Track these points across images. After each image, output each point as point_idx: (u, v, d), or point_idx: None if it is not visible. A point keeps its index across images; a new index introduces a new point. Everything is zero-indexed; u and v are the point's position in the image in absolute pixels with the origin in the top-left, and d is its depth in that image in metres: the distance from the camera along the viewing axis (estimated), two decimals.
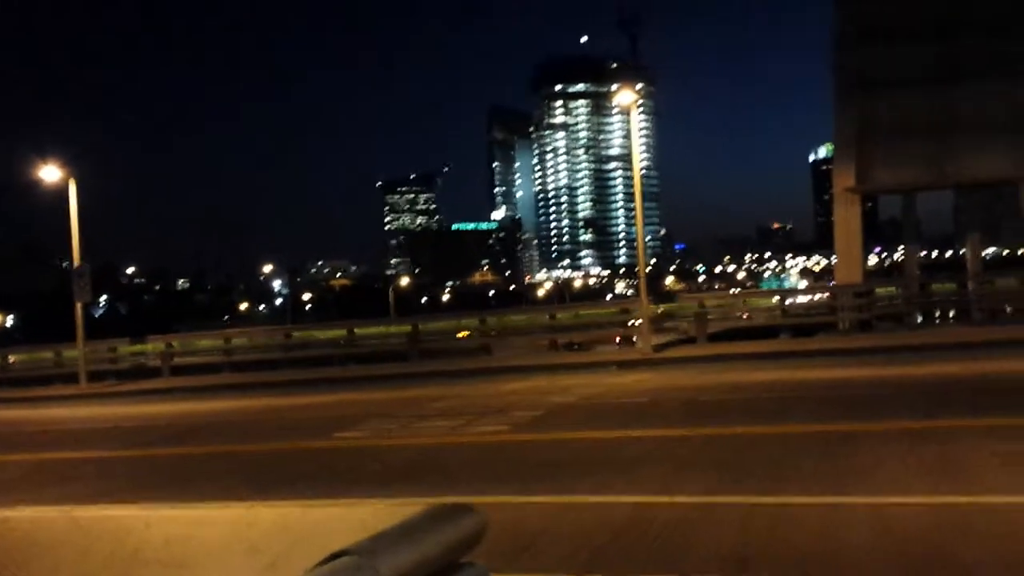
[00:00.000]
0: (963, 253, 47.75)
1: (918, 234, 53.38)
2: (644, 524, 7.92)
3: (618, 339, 35.58)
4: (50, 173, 32.86)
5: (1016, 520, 7.34)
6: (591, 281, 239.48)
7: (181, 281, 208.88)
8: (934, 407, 13.45)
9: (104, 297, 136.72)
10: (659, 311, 31.62)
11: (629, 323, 31.03)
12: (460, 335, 35.10)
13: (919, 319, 32.34)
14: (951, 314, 35.91)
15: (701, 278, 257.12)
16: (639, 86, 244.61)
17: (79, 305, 31.71)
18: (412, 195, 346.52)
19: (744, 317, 35.07)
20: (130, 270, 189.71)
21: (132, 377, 33.91)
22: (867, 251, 51.25)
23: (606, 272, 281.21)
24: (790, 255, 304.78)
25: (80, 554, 1.85)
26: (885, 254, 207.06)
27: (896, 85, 35.37)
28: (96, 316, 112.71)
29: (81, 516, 2.01)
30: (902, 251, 52.05)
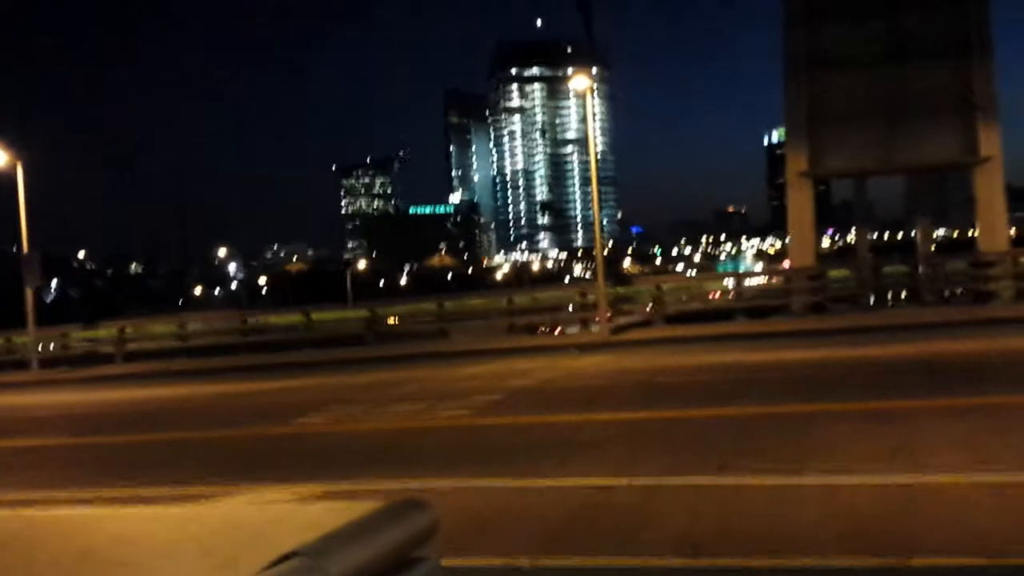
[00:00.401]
0: (914, 235, 48.50)
1: (870, 217, 54.13)
2: (601, 506, 7.99)
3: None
4: None
5: (964, 498, 7.51)
6: (549, 264, 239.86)
7: (134, 266, 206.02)
8: (887, 388, 13.69)
9: (55, 282, 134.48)
10: (618, 292, 31.79)
11: (587, 305, 31.15)
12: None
13: (871, 301, 32.82)
14: (903, 296, 36.52)
15: (658, 261, 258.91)
16: (594, 70, 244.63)
17: (29, 291, 31.15)
18: (368, 179, 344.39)
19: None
20: (81, 255, 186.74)
21: (85, 363, 33.41)
22: (820, 234, 51.82)
23: (564, 255, 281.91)
24: (745, 238, 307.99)
25: (30, 553, 1.82)
26: (838, 236, 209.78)
27: (844, 67, 35.73)
28: (47, 301, 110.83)
29: (29, 514, 1.98)
30: (854, 233, 52.74)
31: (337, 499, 2.00)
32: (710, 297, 35.74)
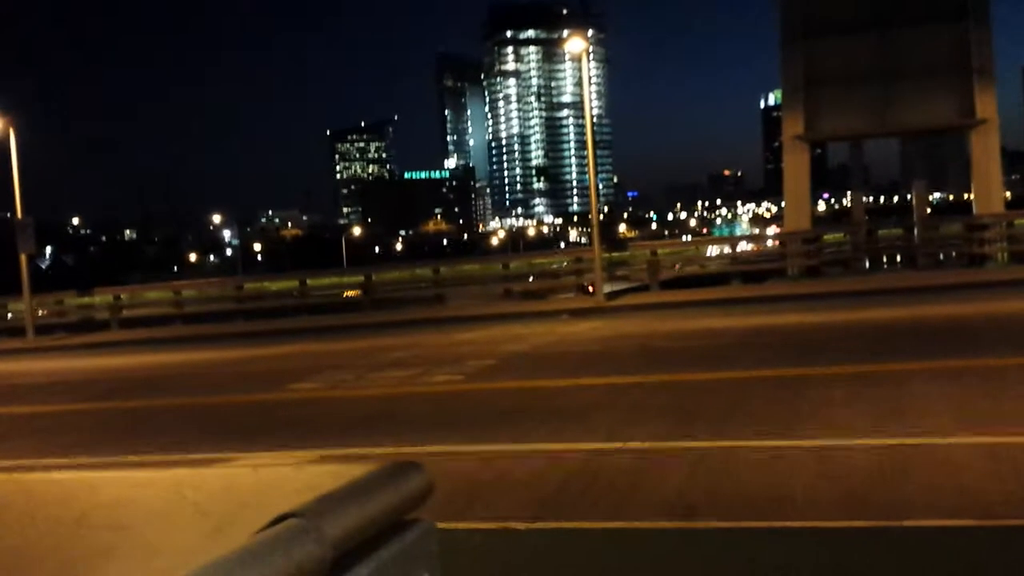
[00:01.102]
0: (909, 199, 48.48)
1: (865, 180, 54.03)
2: (595, 471, 8.03)
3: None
4: None
5: (956, 458, 7.57)
6: (544, 229, 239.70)
7: (128, 232, 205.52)
8: (881, 351, 13.75)
9: (49, 249, 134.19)
10: (613, 257, 31.80)
11: (583, 270, 31.18)
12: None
13: (866, 265, 32.89)
14: (897, 259, 36.59)
15: (653, 226, 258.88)
16: (590, 33, 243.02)
17: (23, 257, 31.08)
18: (363, 144, 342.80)
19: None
20: (75, 221, 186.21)
21: (80, 330, 33.43)
22: (816, 197, 51.70)
23: (559, 220, 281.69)
24: (740, 202, 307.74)
25: (25, 519, 1.83)
26: (833, 200, 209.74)
27: (840, 30, 35.52)
28: (42, 268, 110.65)
29: (24, 479, 1.99)
30: (850, 197, 52.67)
31: (332, 462, 2.01)
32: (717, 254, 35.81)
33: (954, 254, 33.22)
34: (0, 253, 51.90)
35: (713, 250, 38.91)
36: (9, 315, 36.64)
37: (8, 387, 19.87)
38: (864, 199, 49.20)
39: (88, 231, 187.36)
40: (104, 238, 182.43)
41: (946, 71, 34.36)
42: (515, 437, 9.65)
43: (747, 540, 6.02)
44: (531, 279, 34.53)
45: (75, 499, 1.81)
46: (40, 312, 33.78)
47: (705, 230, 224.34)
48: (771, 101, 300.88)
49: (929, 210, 47.44)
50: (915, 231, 33.36)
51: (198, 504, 1.72)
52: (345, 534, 1.45)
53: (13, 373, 22.62)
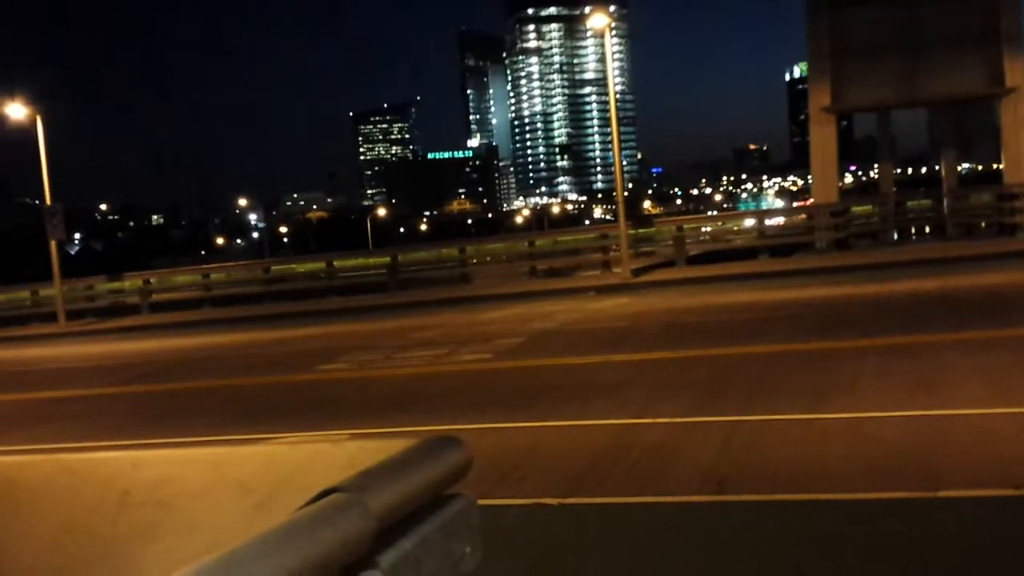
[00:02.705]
0: (938, 169, 47.89)
1: (893, 151, 53.44)
2: (625, 447, 8.03)
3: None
4: (16, 111, 32.21)
5: (988, 428, 7.50)
6: (569, 207, 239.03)
7: (155, 217, 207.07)
8: (911, 323, 13.63)
9: (78, 235, 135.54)
10: (639, 233, 31.66)
11: (608, 247, 31.09)
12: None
13: (895, 236, 32.56)
14: (926, 230, 36.19)
15: (678, 201, 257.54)
16: (612, 8, 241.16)
17: (53, 243, 31.39)
18: (386, 125, 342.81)
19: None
20: (103, 207, 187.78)
21: (111, 315, 33.77)
22: (843, 170, 51.14)
23: (583, 198, 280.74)
24: (766, 176, 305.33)
25: (68, 497, 1.85)
26: (861, 172, 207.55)
27: None
28: (72, 254, 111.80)
29: (68, 459, 2.00)
30: (877, 169, 52.08)
31: (371, 438, 2.01)
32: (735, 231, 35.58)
33: (984, 224, 32.79)
34: (30, 240, 52.45)
35: (749, 221, 38.53)
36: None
37: (43, 371, 20.13)
38: (892, 171, 48.64)
39: (115, 217, 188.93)
40: (131, 223, 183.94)
41: (974, 39, 33.78)
42: (545, 414, 9.67)
43: (779, 512, 6.00)
44: (556, 257, 34.49)
45: (117, 477, 1.82)
46: (71, 300, 34.10)
47: (727, 204, 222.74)
48: (796, 74, 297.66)
49: (957, 180, 46.81)
50: (944, 201, 32.98)
51: (239, 481, 1.73)
52: (388, 508, 1.46)
53: (47, 358, 22.90)
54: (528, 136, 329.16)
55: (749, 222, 37.89)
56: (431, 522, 1.60)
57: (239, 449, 1.87)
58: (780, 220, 40.27)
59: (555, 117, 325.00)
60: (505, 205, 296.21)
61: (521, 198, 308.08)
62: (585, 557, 5.58)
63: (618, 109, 31.42)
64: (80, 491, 1.83)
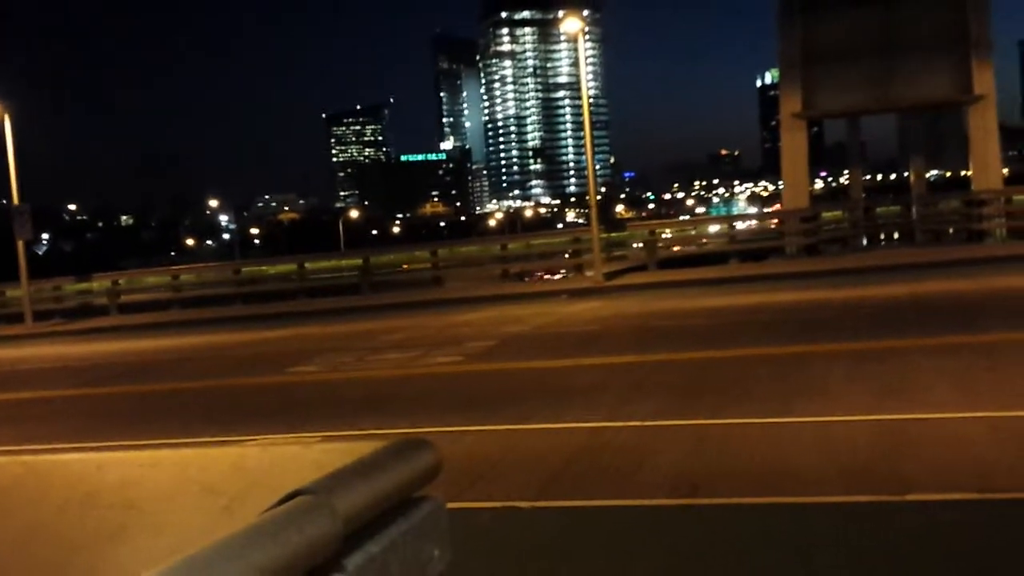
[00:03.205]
0: (907, 176, 48.44)
1: (863, 157, 53.96)
2: (597, 450, 8.05)
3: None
4: None
5: (956, 432, 7.58)
6: (542, 211, 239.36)
7: (125, 218, 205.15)
8: (880, 328, 13.76)
9: (46, 235, 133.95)
10: (611, 237, 31.76)
11: (581, 251, 31.14)
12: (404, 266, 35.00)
13: (864, 242, 32.87)
14: (896, 236, 36.57)
15: (651, 205, 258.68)
16: (585, 13, 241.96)
17: (20, 243, 31.01)
18: (359, 127, 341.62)
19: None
20: (72, 207, 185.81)
21: (79, 316, 33.40)
22: (813, 175, 51.61)
23: (556, 201, 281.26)
24: (738, 181, 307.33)
25: (34, 499, 1.83)
26: (831, 178, 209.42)
27: (838, 6, 35.37)
28: (39, 254, 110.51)
29: (33, 460, 1.98)
30: (847, 175, 52.56)
31: (340, 440, 2.01)
32: (703, 241, 35.81)
33: (952, 230, 33.19)
34: None
35: (714, 228, 38.84)
36: None
37: (10, 372, 19.88)
38: (862, 176, 49.11)
39: (85, 217, 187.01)
40: (101, 224, 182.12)
41: (944, 46, 34.20)
42: (517, 417, 9.66)
43: (751, 516, 6.03)
44: (529, 261, 34.49)
45: (83, 479, 1.81)
46: (38, 301, 33.71)
47: (702, 209, 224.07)
48: (768, 80, 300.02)
49: (926, 186, 47.34)
50: (913, 208, 33.34)
51: (206, 483, 1.71)
52: (356, 511, 1.45)
53: (14, 359, 22.62)
54: (501, 139, 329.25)
55: (716, 228, 38.17)
56: (399, 525, 1.59)
57: (207, 451, 1.86)
58: (753, 224, 40.58)
59: (528, 120, 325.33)
60: (478, 208, 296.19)
61: (494, 201, 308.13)
62: (558, 560, 5.58)
63: (591, 113, 31.54)
64: (46, 493, 1.81)
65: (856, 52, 35.04)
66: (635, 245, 32.38)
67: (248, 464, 1.79)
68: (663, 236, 32.73)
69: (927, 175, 50.88)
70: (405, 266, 35.40)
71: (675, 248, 33.35)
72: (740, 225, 38.76)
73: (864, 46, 34.97)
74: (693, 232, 39.06)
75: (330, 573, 1.38)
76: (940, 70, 34.52)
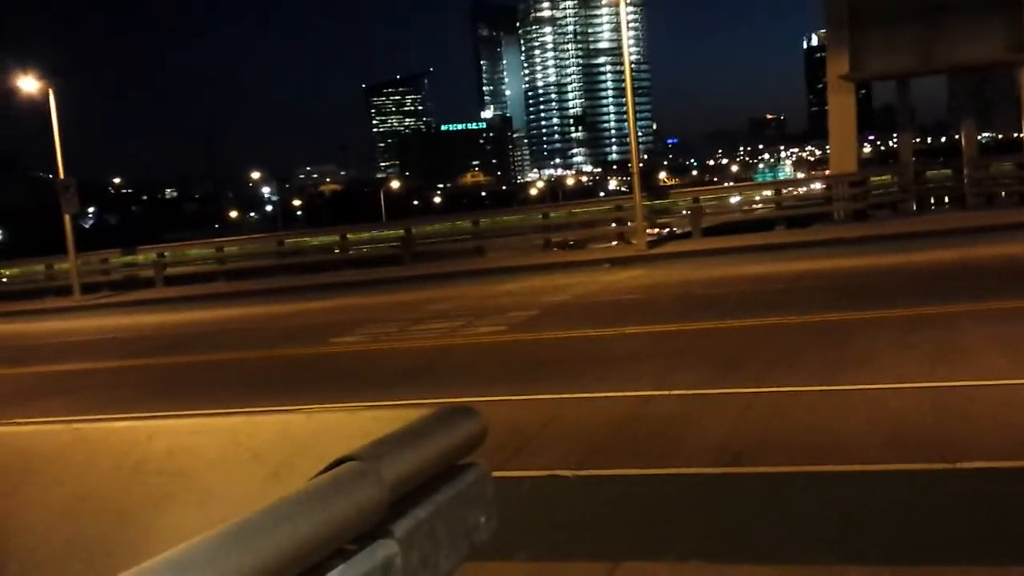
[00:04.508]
0: (958, 139, 47.43)
1: (912, 121, 52.94)
2: (641, 418, 8.02)
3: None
4: (28, 84, 32.27)
5: (1011, 399, 7.45)
6: (583, 179, 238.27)
7: (168, 190, 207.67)
8: (931, 294, 13.53)
9: (92, 209, 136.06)
10: (654, 205, 31.54)
11: (624, 219, 30.97)
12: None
13: (914, 207, 32.33)
14: (946, 200, 35.93)
15: (694, 172, 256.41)
16: None
17: (67, 217, 31.52)
18: (399, 96, 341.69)
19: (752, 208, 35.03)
20: (116, 180, 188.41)
21: (125, 288, 33.95)
22: (861, 140, 50.75)
23: (598, 169, 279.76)
24: (783, 146, 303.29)
25: (84, 467, 1.84)
26: (879, 142, 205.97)
27: None
28: (86, 227, 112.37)
29: (84, 428, 2.00)
30: (896, 138, 51.60)
31: (386, 408, 2.01)
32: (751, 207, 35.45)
33: (1004, 194, 32.51)
34: (45, 214, 52.67)
35: (767, 192, 38.33)
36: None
37: (60, 344, 20.27)
38: (911, 140, 48.22)
39: (129, 190, 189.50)
40: (144, 197, 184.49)
41: (995, 4, 33.32)
42: (560, 386, 9.66)
43: (796, 484, 5.98)
44: (571, 229, 34.37)
45: (132, 447, 1.82)
46: (86, 274, 34.29)
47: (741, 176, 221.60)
48: (814, 42, 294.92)
49: (978, 150, 46.35)
50: (964, 171, 32.68)
51: (254, 450, 1.71)
52: (402, 477, 1.44)
53: (63, 331, 23.06)
54: (542, 107, 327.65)
55: (766, 193, 37.70)
56: (445, 492, 1.58)
57: (253, 419, 1.86)
58: (801, 189, 40.06)
59: (569, 88, 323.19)
60: (519, 177, 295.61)
61: (535, 170, 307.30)
62: (601, 529, 5.58)
63: (633, 79, 31.19)
64: (95, 461, 1.82)
65: (904, 12, 34.28)
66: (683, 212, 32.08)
67: (294, 431, 1.79)
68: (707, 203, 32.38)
69: (978, 138, 49.80)
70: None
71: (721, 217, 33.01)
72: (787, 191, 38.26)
73: (912, 5, 34.18)
74: (738, 198, 38.64)
75: (377, 538, 1.38)
76: (991, 29, 33.66)
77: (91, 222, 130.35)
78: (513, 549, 5.01)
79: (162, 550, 1.11)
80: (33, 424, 2.20)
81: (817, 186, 41.28)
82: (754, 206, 36.19)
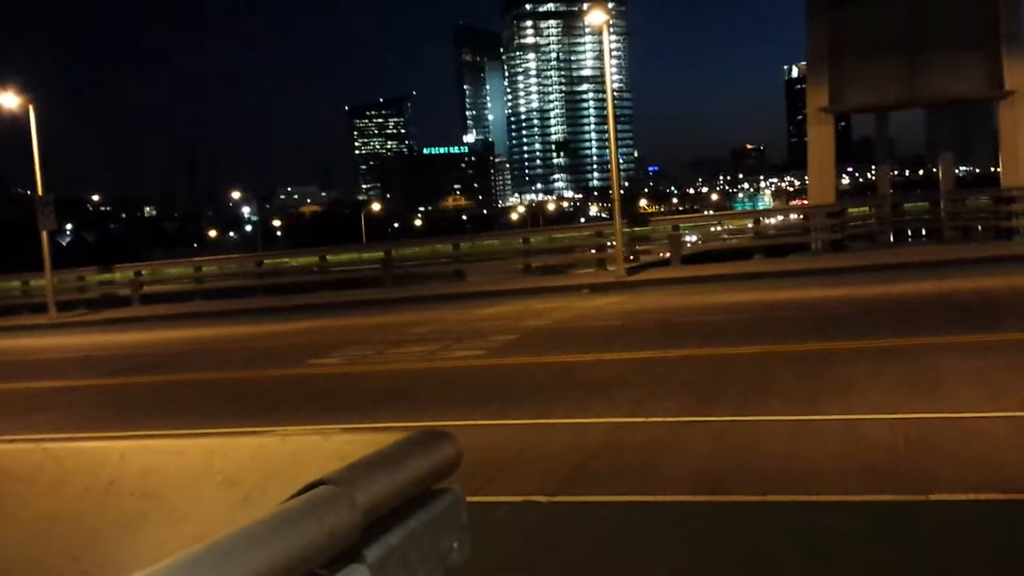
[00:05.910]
0: (935, 172, 47.96)
1: (891, 153, 53.52)
2: (618, 445, 8.01)
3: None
4: (8, 100, 32.08)
5: (983, 431, 7.50)
6: (564, 205, 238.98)
7: (148, 209, 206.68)
8: (906, 325, 13.62)
9: (70, 226, 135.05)
10: (634, 232, 31.66)
11: (604, 246, 31.06)
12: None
13: (891, 238, 32.60)
14: (923, 233, 36.25)
15: (674, 200, 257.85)
16: (610, 5, 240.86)
17: (44, 234, 31.26)
18: (381, 119, 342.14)
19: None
20: (95, 197, 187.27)
21: (102, 306, 33.66)
22: (840, 171, 51.11)
23: (579, 195, 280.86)
24: (763, 176, 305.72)
25: (54, 487, 1.82)
26: (857, 174, 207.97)
27: None
28: (63, 244, 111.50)
29: (54, 448, 1.98)
30: (875, 170, 52.11)
31: (361, 432, 1.99)
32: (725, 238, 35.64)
33: (980, 227, 32.85)
34: (22, 230, 52.28)
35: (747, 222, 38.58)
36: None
37: (34, 362, 20.06)
38: (889, 172, 48.71)
39: (108, 208, 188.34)
40: (124, 215, 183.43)
41: (974, 40, 33.80)
42: (538, 411, 9.64)
43: (772, 513, 5.98)
44: (551, 255, 34.44)
45: (104, 467, 1.80)
46: (62, 291, 33.99)
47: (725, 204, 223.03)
48: (795, 73, 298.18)
49: (956, 183, 46.86)
50: (941, 204, 33.01)
51: (227, 472, 1.70)
52: (376, 501, 1.44)
53: (38, 348, 22.83)
54: (524, 133, 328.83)
55: (747, 222, 37.93)
56: (419, 516, 1.58)
57: (228, 441, 1.85)
58: (778, 218, 40.33)
59: (552, 114, 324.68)
60: (500, 202, 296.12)
61: (516, 195, 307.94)
62: (575, 555, 5.56)
63: (615, 106, 31.39)
64: (66, 481, 1.81)
65: (884, 46, 34.69)
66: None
67: (269, 454, 1.78)
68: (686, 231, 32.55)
69: (956, 171, 50.34)
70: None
71: (697, 243, 33.18)
72: (768, 220, 38.52)
73: (893, 40, 34.61)
74: (717, 227, 38.87)
75: (350, 563, 1.37)
76: (970, 65, 34.13)
77: (69, 239, 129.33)
78: (487, 575, 4.98)
79: (134, 571, 1.10)
80: (2, 443, 2.17)
81: (794, 216, 41.55)
82: (728, 236, 36.41)
